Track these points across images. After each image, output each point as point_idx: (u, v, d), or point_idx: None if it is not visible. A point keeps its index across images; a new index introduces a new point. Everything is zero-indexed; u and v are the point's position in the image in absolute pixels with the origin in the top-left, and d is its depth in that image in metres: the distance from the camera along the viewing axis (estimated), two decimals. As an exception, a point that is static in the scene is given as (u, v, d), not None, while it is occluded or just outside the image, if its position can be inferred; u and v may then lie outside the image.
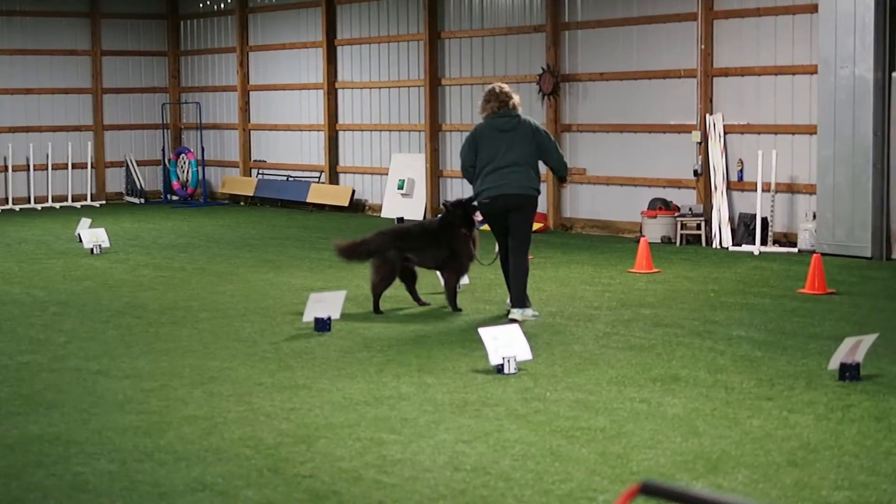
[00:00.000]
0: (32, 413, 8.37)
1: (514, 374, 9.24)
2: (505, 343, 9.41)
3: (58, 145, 25.59)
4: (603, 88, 19.27)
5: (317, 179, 24.08)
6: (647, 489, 2.94)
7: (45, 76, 25.69)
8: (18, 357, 10.24)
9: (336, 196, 23.45)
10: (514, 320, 11.22)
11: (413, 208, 21.91)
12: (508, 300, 11.94)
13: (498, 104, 11.71)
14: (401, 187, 22.11)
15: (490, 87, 12.03)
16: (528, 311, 11.62)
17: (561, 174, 12.14)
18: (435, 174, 21.84)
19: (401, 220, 21.19)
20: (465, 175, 12.02)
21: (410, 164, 22.26)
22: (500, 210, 11.69)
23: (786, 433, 7.59)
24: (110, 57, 26.43)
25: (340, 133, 23.83)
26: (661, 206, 17.99)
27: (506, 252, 11.90)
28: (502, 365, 9.28)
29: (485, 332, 9.51)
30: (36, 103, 25.61)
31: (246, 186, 25.37)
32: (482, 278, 14.16)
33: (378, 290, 12.15)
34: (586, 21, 19.36)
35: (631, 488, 3.00)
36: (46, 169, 25.46)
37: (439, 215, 12.66)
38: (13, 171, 25.13)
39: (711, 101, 17.75)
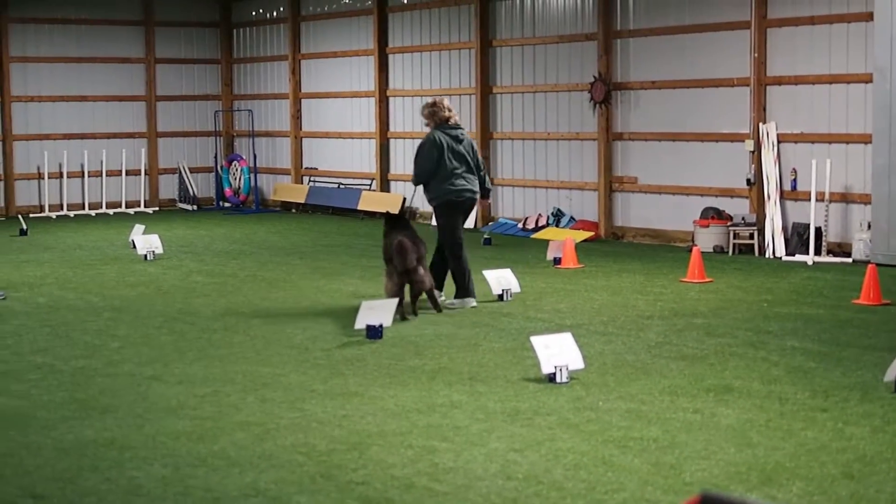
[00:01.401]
0: (87, 417, 8.43)
1: (566, 383, 9.22)
2: (557, 352, 9.39)
3: (112, 152, 25.80)
4: (655, 97, 19.20)
5: (368, 187, 24.13)
6: (707, 500, 2.92)
7: (99, 83, 25.92)
8: (73, 362, 10.33)
9: (387, 203, 23.43)
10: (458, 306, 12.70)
11: (464, 216, 21.88)
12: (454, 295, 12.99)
13: (445, 116, 12.99)
14: (452, 195, 22.09)
15: (434, 99, 13.30)
16: (467, 301, 12.91)
17: (488, 186, 13.42)
18: (486, 182, 21.81)
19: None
20: (422, 178, 12.99)
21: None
22: (467, 207, 13.06)
23: (841, 445, 7.52)
24: (164, 64, 26.63)
25: (392, 141, 23.88)
26: (713, 215, 17.90)
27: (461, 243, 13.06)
28: (554, 374, 9.26)
29: (537, 341, 9.50)
30: (90, 110, 25.84)
31: (297, 194, 25.47)
32: (533, 287, 14.15)
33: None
34: (638, 29, 19.30)
35: (691, 499, 2.99)
36: (101, 175, 25.68)
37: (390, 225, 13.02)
38: (68, 177, 25.36)
39: (765, 109, 17.64)
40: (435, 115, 13.03)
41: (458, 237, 13.11)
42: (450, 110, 13.10)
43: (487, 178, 13.45)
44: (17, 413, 8.60)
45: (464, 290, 12.96)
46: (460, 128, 13.18)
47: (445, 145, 12.89)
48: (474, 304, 12.91)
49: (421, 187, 13.30)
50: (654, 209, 19.26)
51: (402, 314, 12.02)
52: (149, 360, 10.38)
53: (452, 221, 13.06)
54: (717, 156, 18.38)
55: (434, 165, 12.87)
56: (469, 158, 13.02)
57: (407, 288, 12.41)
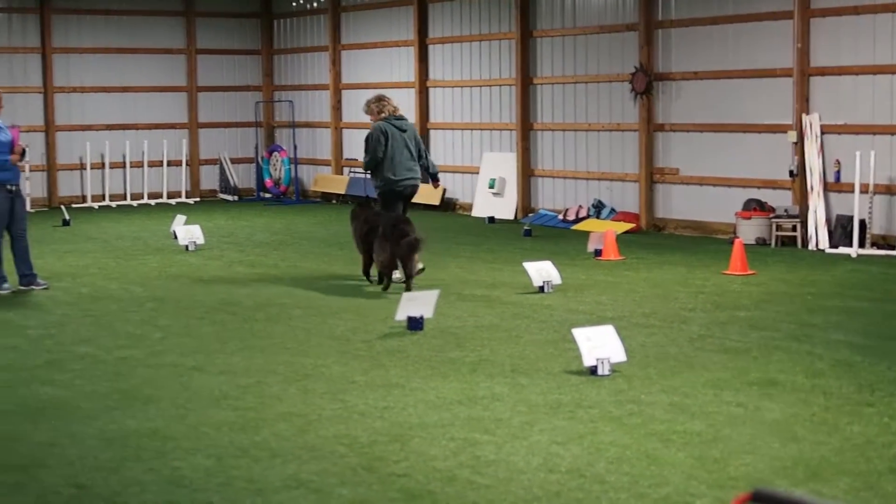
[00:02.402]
0: (130, 408, 8.46)
1: (608, 375, 9.18)
2: (599, 344, 9.35)
3: (154, 143, 25.92)
4: (696, 87, 19.09)
5: (408, 178, 24.10)
6: (759, 496, 2.88)
7: (141, 74, 26.03)
8: (116, 352, 10.37)
9: (427, 195, 23.41)
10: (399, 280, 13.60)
11: (504, 207, 21.87)
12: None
13: (392, 108, 14.24)
14: (492, 186, 22.09)
15: (378, 94, 14.72)
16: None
17: (434, 171, 14.65)
18: (526, 173, 21.78)
19: (492, 219, 21.19)
20: (371, 165, 14.05)
21: (501, 163, 22.23)
22: (407, 194, 14.17)
23: (887, 440, 7.45)
24: (205, 55, 26.71)
25: (432, 132, 23.86)
26: (755, 206, 17.79)
27: None
28: (596, 366, 9.22)
29: (578, 333, 9.46)
30: (132, 101, 25.95)
31: (338, 184, 25.50)
32: (574, 279, 14.10)
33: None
34: (680, 19, 19.19)
35: (742, 495, 2.95)
36: (142, 166, 25.79)
37: (365, 210, 14.44)
38: (110, 168, 25.48)
39: (808, 100, 17.51)
40: (383, 109, 14.20)
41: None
42: (391, 104, 14.30)
43: (431, 162, 14.62)
44: (60, 403, 8.65)
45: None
46: (404, 118, 14.38)
47: (390, 135, 13.99)
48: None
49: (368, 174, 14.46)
50: (696, 201, 19.16)
51: (387, 285, 13.44)
52: (191, 350, 10.41)
53: (390, 208, 14.07)
54: (759, 147, 18.26)
55: (381, 154, 13.93)
56: (411, 146, 14.11)
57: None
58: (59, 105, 25.12)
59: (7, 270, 13.79)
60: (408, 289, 13.10)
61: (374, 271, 13.92)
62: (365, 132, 25.11)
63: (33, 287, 13.74)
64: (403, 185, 14.06)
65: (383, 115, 14.18)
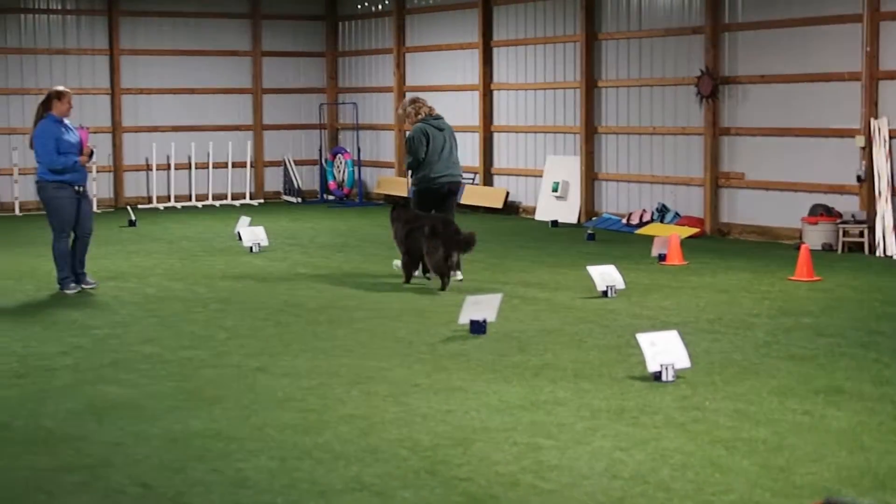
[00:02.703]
0: (194, 408, 8.52)
1: (672, 381, 9.12)
2: (663, 349, 9.30)
3: (219, 144, 26.09)
4: (763, 91, 18.94)
5: (471, 181, 24.12)
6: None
7: (207, 76, 26.23)
8: (181, 352, 10.45)
9: (490, 198, 23.48)
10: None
11: (567, 211, 21.81)
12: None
13: (428, 109, 14.69)
14: (555, 190, 22.04)
15: (412, 96, 15.21)
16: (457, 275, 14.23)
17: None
18: (590, 177, 21.70)
19: (555, 223, 21.14)
20: (414, 165, 14.44)
21: (565, 167, 22.17)
22: (446, 191, 14.49)
23: (956, 450, 7.35)
24: (270, 57, 26.86)
25: (495, 134, 23.84)
26: (822, 212, 17.61)
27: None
28: (660, 372, 9.17)
29: (642, 339, 9.41)
30: (198, 103, 26.15)
31: (401, 187, 25.52)
32: (637, 284, 14.04)
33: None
34: (746, 22, 19.04)
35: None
36: (207, 167, 25.98)
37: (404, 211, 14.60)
38: (176, 169, 25.69)
39: (876, 104, 17.31)
40: (419, 111, 14.66)
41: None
42: (426, 105, 14.77)
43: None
44: (126, 402, 8.72)
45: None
46: (441, 118, 14.79)
47: (431, 136, 14.40)
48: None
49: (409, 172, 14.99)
50: (762, 205, 19.00)
51: (444, 284, 13.70)
52: (255, 351, 10.47)
53: (423, 207, 14.50)
54: (826, 152, 18.07)
55: (422, 154, 14.35)
56: (449, 144, 14.53)
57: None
58: (126, 106, 25.37)
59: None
60: (443, 287, 13.64)
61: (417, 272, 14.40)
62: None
63: (82, 286, 13.88)
64: (440, 183, 14.43)
65: (420, 116, 14.62)
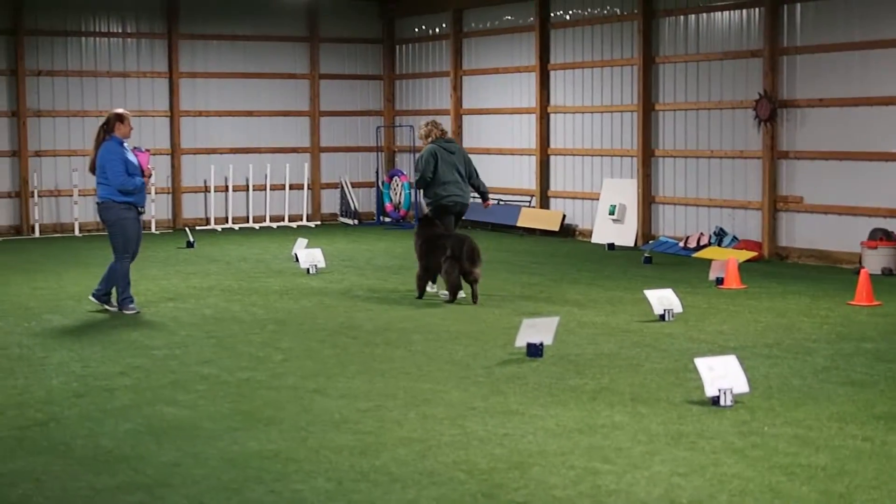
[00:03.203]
0: (252, 429, 8.56)
1: (730, 406, 9.06)
2: (721, 374, 9.24)
3: (276, 166, 26.26)
4: (822, 115, 18.81)
5: (527, 203, 24.12)
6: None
7: (265, 99, 26.42)
8: (238, 373, 10.50)
9: (546, 220, 23.46)
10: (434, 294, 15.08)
11: (624, 234, 21.75)
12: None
13: (440, 132, 15.64)
14: (612, 212, 21.99)
15: (430, 119, 16.14)
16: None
17: (484, 190, 15.90)
18: (647, 200, 21.64)
19: (611, 246, 21.08)
20: (422, 183, 15.39)
21: (622, 190, 22.12)
22: (456, 211, 15.49)
23: None
24: (328, 80, 27.01)
25: (552, 157, 23.83)
26: (882, 236, 17.45)
27: None
28: (718, 397, 9.11)
29: (700, 363, 9.36)
30: (256, 125, 26.35)
31: (457, 209, 25.53)
32: (695, 308, 13.97)
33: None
34: (805, 46, 18.93)
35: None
36: (265, 189, 26.14)
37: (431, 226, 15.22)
38: (233, 191, 25.87)
39: (937, 128, 17.16)
40: (431, 132, 15.65)
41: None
42: (439, 128, 15.73)
43: (481, 182, 15.83)
44: (184, 423, 8.78)
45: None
46: (452, 141, 15.81)
47: (440, 156, 15.32)
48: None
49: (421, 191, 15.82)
50: (820, 229, 18.85)
51: (453, 298, 14.53)
52: (312, 373, 10.50)
53: (441, 220, 15.28)
54: (886, 175, 17.92)
55: (431, 173, 15.26)
56: (460, 167, 15.45)
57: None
58: (185, 128, 25.60)
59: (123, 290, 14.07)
60: (474, 299, 14.51)
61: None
62: (486, 157, 25.38)
63: (105, 305, 14.08)
64: (451, 201, 15.36)
65: (430, 138, 15.62)
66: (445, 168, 15.35)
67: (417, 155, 15.64)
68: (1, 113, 24.09)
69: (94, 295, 14.14)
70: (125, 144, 13.92)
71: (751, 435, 8.28)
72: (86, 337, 12.44)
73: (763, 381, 9.96)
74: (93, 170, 13.96)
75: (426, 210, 15.57)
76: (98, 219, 14.27)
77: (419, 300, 14.72)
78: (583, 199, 23.11)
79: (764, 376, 10.20)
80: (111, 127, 13.85)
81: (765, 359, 11.03)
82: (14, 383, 10.19)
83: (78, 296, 15.09)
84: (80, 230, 24.05)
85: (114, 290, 14.05)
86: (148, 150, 14.55)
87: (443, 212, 15.42)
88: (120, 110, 14.16)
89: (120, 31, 25.06)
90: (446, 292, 14.74)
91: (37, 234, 23.99)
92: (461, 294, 14.62)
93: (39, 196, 24.20)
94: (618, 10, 22.15)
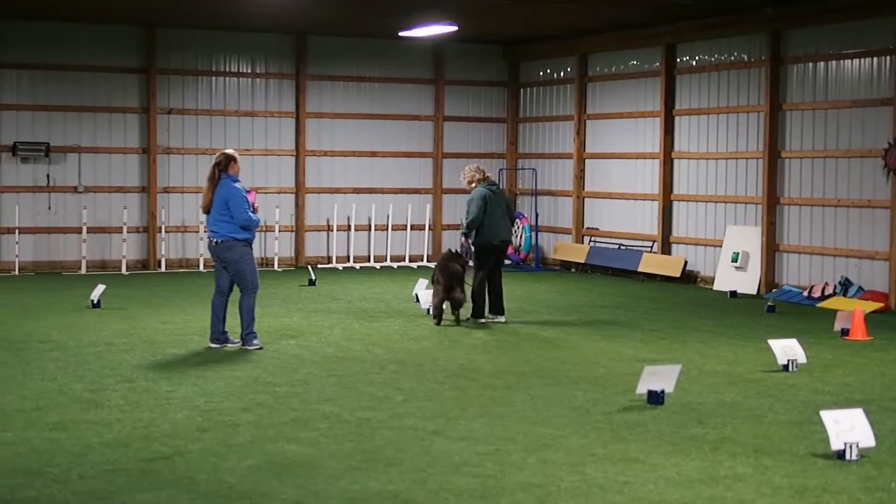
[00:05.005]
0: (372, 469, 8.60)
1: (856, 460, 8.89)
2: (847, 427, 9.08)
3: (398, 206, 26.46)
4: (954, 165, 18.44)
5: (649, 249, 23.97)
6: None
7: (389, 140, 26.68)
8: (359, 413, 10.57)
9: (668, 266, 23.28)
10: (491, 321, 16.60)
11: (747, 282, 21.49)
12: (487, 311, 16.71)
13: (483, 175, 16.83)
14: (735, 260, 21.75)
15: (473, 164, 17.34)
16: (501, 318, 16.72)
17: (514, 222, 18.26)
18: (771, 248, 21.37)
19: (734, 293, 20.85)
20: (475, 225, 16.47)
21: (745, 237, 21.87)
22: (501, 248, 16.74)
23: None
24: (452, 122, 27.19)
25: (675, 203, 23.68)
26: None
27: (483, 277, 16.63)
28: (844, 450, 8.95)
29: (826, 416, 9.20)
30: (380, 165, 26.61)
31: (578, 253, 25.51)
32: (819, 359, 13.74)
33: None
34: (938, 95, 18.62)
35: None
36: (387, 229, 26.35)
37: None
38: (355, 230, 26.12)
39: None
40: (473, 177, 16.76)
41: (483, 274, 16.64)
42: (483, 172, 16.88)
43: (514, 220, 18.07)
44: (305, 461, 8.85)
45: (479, 310, 16.59)
46: (496, 184, 17.16)
47: (489, 199, 16.51)
48: (502, 319, 16.75)
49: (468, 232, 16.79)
50: (951, 282, 18.45)
51: (439, 319, 16.17)
52: (432, 414, 10.53)
53: (483, 261, 16.58)
54: None
55: (483, 213, 16.40)
56: (504, 208, 16.72)
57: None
58: (310, 168, 25.93)
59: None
60: (457, 321, 16.18)
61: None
62: (608, 202, 25.29)
63: (225, 345, 14.33)
64: (498, 241, 16.61)
65: (473, 184, 16.74)
66: (493, 210, 16.50)
67: (468, 197, 16.75)
68: (132, 150, 24.65)
69: (243, 340, 14.24)
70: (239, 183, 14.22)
71: (877, 491, 8.12)
72: (210, 372, 12.63)
73: (890, 436, 9.75)
74: (207, 209, 14.20)
75: (466, 246, 16.64)
76: (210, 255, 14.48)
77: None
78: (705, 245, 22.90)
79: (891, 430, 9.98)
80: (227, 166, 14.13)
81: (892, 413, 10.80)
82: (140, 416, 10.38)
83: (202, 331, 15.32)
84: (205, 265, 24.44)
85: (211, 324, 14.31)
86: (253, 191, 14.87)
87: (490, 250, 16.56)
88: (230, 151, 14.47)
89: (249, 71, 25.52)
90: (502, 317, 16.57)
91: (163, 268, 24.46)
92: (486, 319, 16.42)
93: (167, 231, 24.69)
94: (745, 57, 21.97)
